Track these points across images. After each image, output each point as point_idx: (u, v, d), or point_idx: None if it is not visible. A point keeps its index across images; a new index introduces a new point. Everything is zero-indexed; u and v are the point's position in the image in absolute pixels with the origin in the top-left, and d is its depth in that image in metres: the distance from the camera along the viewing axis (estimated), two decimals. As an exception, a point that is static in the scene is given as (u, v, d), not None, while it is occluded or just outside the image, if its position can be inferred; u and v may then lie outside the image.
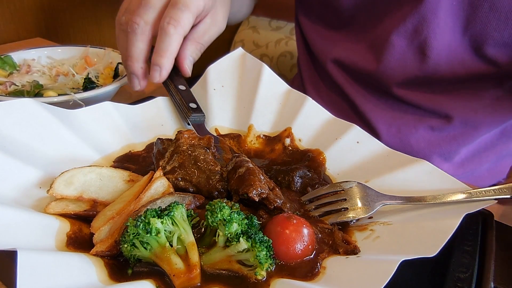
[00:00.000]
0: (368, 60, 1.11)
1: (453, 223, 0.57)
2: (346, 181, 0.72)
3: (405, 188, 0.71)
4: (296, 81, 1.42)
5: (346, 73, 1.19)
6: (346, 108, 1.22)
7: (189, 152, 0.72)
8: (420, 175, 0.72)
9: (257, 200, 0.66)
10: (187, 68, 0.91)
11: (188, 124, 0.91)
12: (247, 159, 0.73)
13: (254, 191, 0.65)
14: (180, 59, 0.89)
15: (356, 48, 1.14)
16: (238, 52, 1.01)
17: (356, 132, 0.84)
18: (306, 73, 1.34)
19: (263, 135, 0.93)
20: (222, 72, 0.99)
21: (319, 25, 1.23)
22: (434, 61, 1.00)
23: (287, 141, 0.90)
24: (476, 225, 0.68)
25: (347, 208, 0.69)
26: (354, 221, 0.69)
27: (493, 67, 0.98)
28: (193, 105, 0.92)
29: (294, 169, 0.80)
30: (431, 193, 0.68)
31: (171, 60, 0.85)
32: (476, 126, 1.08)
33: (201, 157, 0.72)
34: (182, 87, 0.94)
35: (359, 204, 0.69)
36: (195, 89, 0.98)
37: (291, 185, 0.78)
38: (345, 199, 0.70)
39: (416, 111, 1.11)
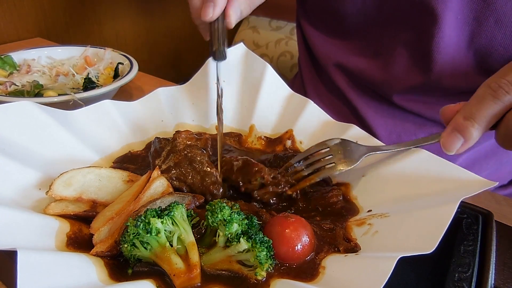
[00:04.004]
0: (371, 67, 1.10)
1: (450, 210, 0.57)
2: (331, 139, 0.78)
3: (403, 177, 0.72)
4: (297, 83, 1.41)
5: (349, 78, 1.18)
6: (346, 112, 1.21)
7: (185, 152, 0.73)
8: (416, 163, 0.72)
9: (270, 180, 0.71)
10: (232, 16, 0.87)
11: (213, 54, 0.88)
12: (234, 156, 0.77)
13: (266, 173, 0.71)
14: (227, 6, 0.87)
15: (359, 55, 1.13)
16: (240, 48, 1.00)
17: (355, 131, 0.84)
18: (307, 76, 1.33)
19: (264, 136, 0.93)
20: (223, 66, 0.98)
21: (321, 30, 1.22)
22: (437, 74, 0.99)
23: (288, 142, 0.90)
24: (476, 225, 0.68)
25: (334, 163, 0.75)
26: (337, 173, 0.75)
27: None
28: (226, 44, 0.89)
29: (291, 156, 0.81)
30: (429, 178, 0.69)
31: None
32: None
33: (197, 158, 0.72)
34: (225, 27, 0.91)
35: (344, 158, 0.75)
36: (194, 81, 0.98)
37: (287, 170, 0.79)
38: (331, 155, 0.76)
39: (416, 119, 1.11)
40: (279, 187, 0.72)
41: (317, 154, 0.78)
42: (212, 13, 0.84)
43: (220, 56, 0.88)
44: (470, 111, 0.61)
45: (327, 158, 0.76)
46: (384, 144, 0.77)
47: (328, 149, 0.77)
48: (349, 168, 0.74)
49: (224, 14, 0.87)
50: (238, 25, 2.41)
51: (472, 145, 0.62)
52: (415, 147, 0.73)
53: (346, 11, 1.09)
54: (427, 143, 0.71)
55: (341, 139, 0.77)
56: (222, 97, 0.88)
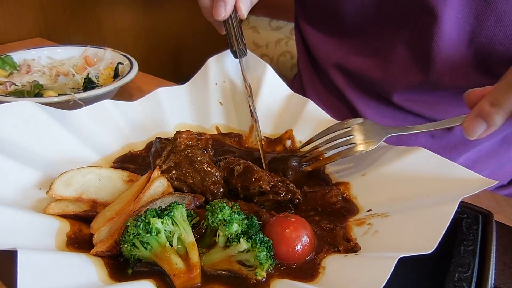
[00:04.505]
0: (370, 67, 1.10)
1: (450, 209, 0.57)
2: (353, 119, 0.77)
3: (403, 176, 0.72)
4: (296, 84, 1.41)
5: (348, 78, 1.18)
6: (346, 113, 1.21)
7: (186, 152, 0.73)
8: (416, 162, 0.72)
9: (269, 189, 0.69)
10: (242, 8, 0.90)
11: (234, 53, 0.92)
12: (236, 158, 0.76)
13: (265, 182, 0.69)
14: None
15: (359, 54, 1.13)
16: None
17: None
18: (306, 76, 1.33)
19: (264, 136, 0.93)
20: (223, 67, 0.98)
21: (320, 30, 1.22)
22: (437, 73, 0.99)
23: (288, 142, 0.90)
24: (476, 225, 0.68)
25: (355, 143, 0.73)
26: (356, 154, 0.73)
27: (496, 80, 0.97)
28: (244, 40, 0.92)
29: (288, 157, 0.81)
30: (429, 178, 0.69)
31: None
32: None
33: (198, 158, 0.72)
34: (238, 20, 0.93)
35: (366, 139, 0.73)
36: (194, 81, 0.98)
37: (286, 173, 0.79)
38: (353, 135, 0.74)
39: (416, 119, 1.10)
40: (280, 196, 0.71)
41: (338, 134, 0.77)
42: (224, 12, 0.86)
43: (241, 54, 0.92)
44: (497, 98, 0.60)
45: (348, 138, 0.75)
46: (405, 127, 0.75)
47: (350, 128, 0.76)
48: (370, 149, 0.72)
49: (235, 7, 0.88)
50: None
51: (494, 131, 0.62)
52: (437, 129, 0.71)
53: (345, 10, 1.08)
54: (449, 126, 0.70)
55: (363, 119, 0.76)
56: (252, 95, 0.90)
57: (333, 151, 0.77)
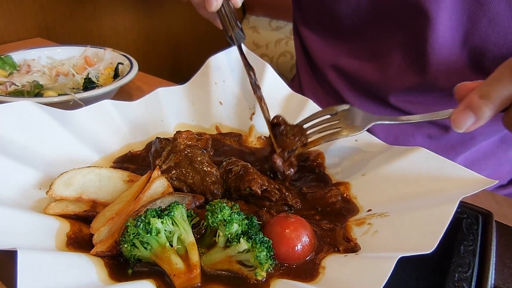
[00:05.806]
0: (367, 68, 1.10)
1: (450, 209, 0.57)
2: (339, 105, 0.77)
3: (402, 176, 0.72)
4: (295, 85, 1.41)
5: (345, 79, 1.18)
6: None
7: (186, 152, 0.73)
8: (416, 162, 0.72)
9: (259, 193, 0.68)
10: None
11: (231, 40, 0.91)
12: (238, 159, 0.76)
13: (257, 184, 0.68)
14: None
15: (355, 56, 1.13)
16: None
17: None
18: (305, 78, 1.33)
19: (264, 136, 0.93)
20: (223, 66, 0.98)
21: (317, 32, 1.22)
22: (432, 74, 1.00)
23: (288, 141, 0.90)
24: (476, 225, 0.68)
25: (341, 127, 0.74)
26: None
27: None
28: (239, 24, 0.91)
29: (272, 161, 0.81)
30: (429, 177, 0.69)
31: None
32: (474, 136, 1.08)
33: (198, 158, 0.72)
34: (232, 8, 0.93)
35: (351, 124, 0.73)
36: (194, 81, 0.98)
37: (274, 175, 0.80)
38: (339, 120, 0.75)
39: None
40: (273, 202, 0.71)
41: (324, 119, 0.77)
42: (216, 2, 0.85)
43: (238, 38, 0.90)
44: (486, 90, 0.60)
45: (333, 122, 0.76)
46: (393, 117, 0.75)
47: (336, 114, 0.76)
48: (354, 134, 0.73)
49: None
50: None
51: (482, 124, 0.61)
52: (425, 121, 0.71)
53: (341, 12, 1.09)
54: (437, 118, 0.69)
55: (350, 105, 0.76)
56: (255, 75, 0.88)
57: (318, 135, 0.77)
